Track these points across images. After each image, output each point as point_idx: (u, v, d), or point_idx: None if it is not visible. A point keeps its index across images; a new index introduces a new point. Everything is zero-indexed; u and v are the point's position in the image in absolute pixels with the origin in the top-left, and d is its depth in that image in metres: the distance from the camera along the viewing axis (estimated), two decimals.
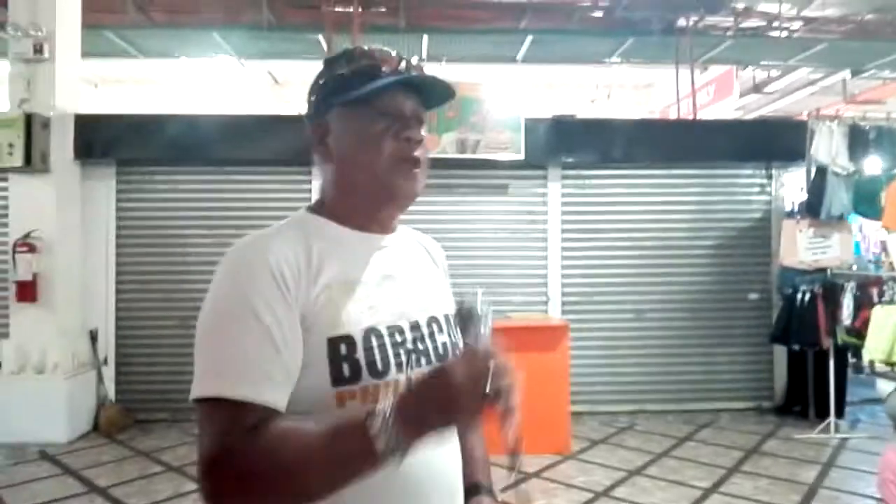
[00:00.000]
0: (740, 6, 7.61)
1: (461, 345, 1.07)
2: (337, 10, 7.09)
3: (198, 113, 6.20)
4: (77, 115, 5.45)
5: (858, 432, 5.19)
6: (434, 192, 5.47)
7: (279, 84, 9.91)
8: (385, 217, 1.03)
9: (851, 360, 6.21)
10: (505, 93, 5.77)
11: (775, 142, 5.95)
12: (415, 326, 0.98)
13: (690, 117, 7.76)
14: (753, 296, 5.95)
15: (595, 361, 5.81)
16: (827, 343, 5.12)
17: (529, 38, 7.35)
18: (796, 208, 5.79)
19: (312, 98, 1.03)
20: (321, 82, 1.02)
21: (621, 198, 5.96)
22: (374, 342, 0.91)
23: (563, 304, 5.85)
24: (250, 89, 9.68)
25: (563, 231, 5.90)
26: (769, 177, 6.03)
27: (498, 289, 5.59)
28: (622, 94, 10.67)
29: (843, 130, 5.37)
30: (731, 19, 7.73)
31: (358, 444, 0.76)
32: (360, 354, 0.89)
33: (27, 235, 5.07)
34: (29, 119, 4.98)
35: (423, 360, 0.96)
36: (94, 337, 5.47)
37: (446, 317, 1.04)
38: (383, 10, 7.44)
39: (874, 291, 5.27)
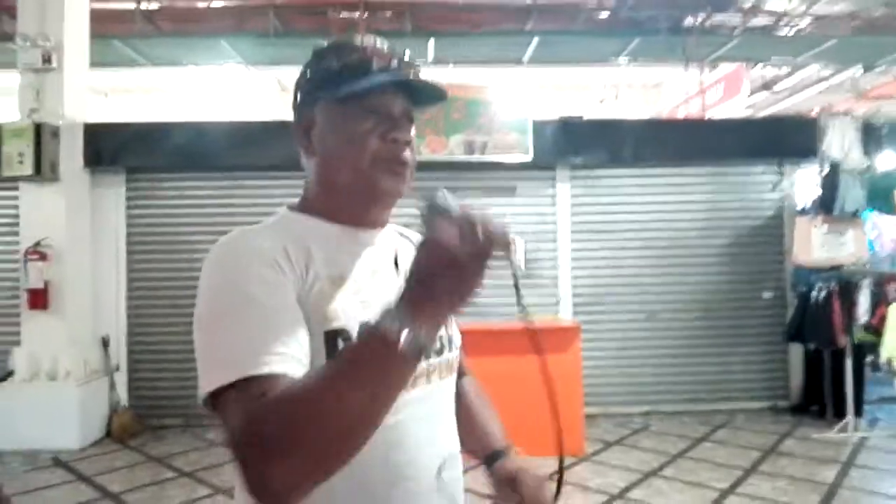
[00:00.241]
0: (747, 4, 7.57)
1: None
2: (343, 15, 7.12)
3: (206, 120, 6.23)
4: (86, 124, 5.49)
5: (878, 431, 5.10)
6: None
7: (286, 90, 9.93)
8: (371, 214, 1.00)
9: (869, 357, 6.12)
10: (512, 94, 5.76)
11: (786, 139, 5.89)
12: None
13: (700, 116, 7.70)
14: (767, 294, 5.88)
15: (608, 362, 5.76)
16: (843, 341, 5.05)
17: (535, 39, 7.34)
18: (809, 206, 5.73)
19: (299, 90, 1.00)
20: (309, 74, 0.99)
21: (631, 198, 5.92)
22: None
23: (574, 305, 5.81)
24: (257, 96, 9.72)
25: (573, 232, 5.87)
26: (781, 174, 5.98)
27: (508, 290, 5.53)
28: (630, 95, 10.62)
29: (856, 126, 5.32)
30: (739, 17, 7.69)
31: (375, 350, 0.71)
32: None
33: (37, 244, 5.10)
34: (38, 128, 5.02)
35: None
36: (105, 343, 5.49)
37: None
38: (389, 14, 7.46)
39: (891, 288, 5.19)
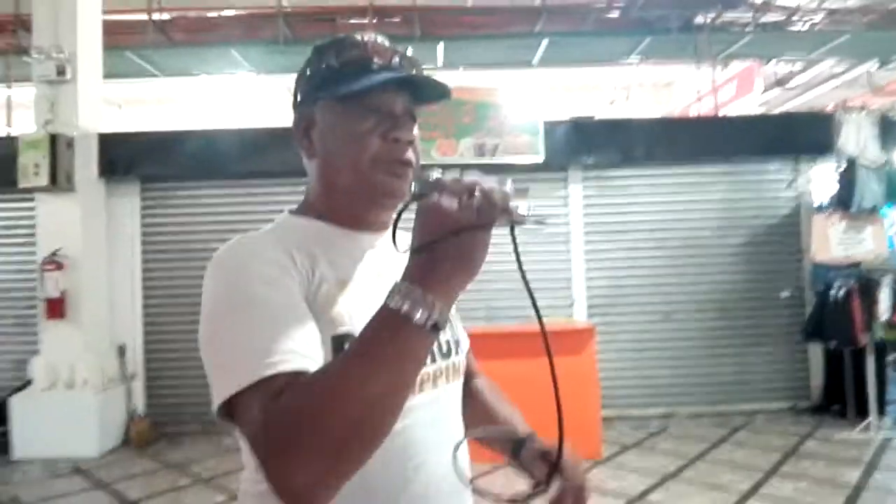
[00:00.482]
0: (759, 0, 7.49)
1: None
2: (352, 22, 7.14)
3: (218, 128, 6.27)
4: (100, 135, 5.55)
5: None
6: None
7: None
8: (373, 216, 0.97)
9: (891, 356, 6.01)
10: (521, 96, 5.74)
11: (802, 136, 5.82)
12: None
13: (713, 115, 7.64)
14: (785, 293, 5.80)
15: (624, 364, 5.70)
16: (864, 340, 4.96)
17: (545, 41, 7.31)
18: (826, 202, 5.65)
19: (298, 88, 0.98)
20: (309, 73, 0.97)
21: (644, 198, 5.87)
22: None
23: (589, 307, 5.76)
24: (268, 104, 9.78)
25: (587, 233, 5.83)
26: (796, 171, 5.90)
27: (521, 293, 5.51)
28: (642, 94, 10.57)
29: (872, 121, 5.24)
30: (751, 14, 7.61)
31: (391, 327, 0.70)
32: None
33: (54, 253, 5.15)
34: (53, 139, 5.07)
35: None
36: (122, 352, 5.53)
37: None
38: (397, 20, 7.47)
39: None
